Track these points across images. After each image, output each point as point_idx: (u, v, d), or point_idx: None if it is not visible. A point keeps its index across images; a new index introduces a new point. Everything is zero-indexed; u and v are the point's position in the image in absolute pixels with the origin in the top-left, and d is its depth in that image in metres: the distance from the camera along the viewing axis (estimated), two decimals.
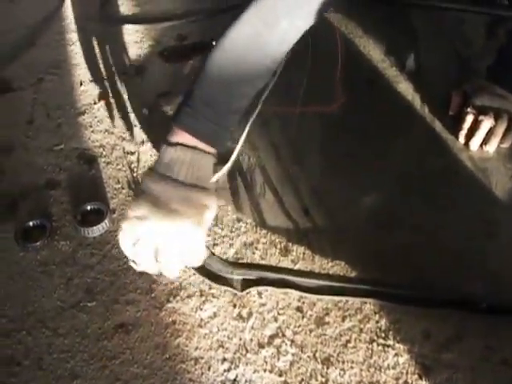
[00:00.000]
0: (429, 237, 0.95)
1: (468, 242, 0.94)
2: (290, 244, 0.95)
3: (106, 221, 0.98)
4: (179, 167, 0.79)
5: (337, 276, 0.90)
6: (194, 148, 0.80)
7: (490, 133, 1.06)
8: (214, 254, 0.91)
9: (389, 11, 1.41)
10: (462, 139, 1.08)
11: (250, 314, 0.87)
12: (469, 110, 1.08)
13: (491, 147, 1.06)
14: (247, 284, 0.89)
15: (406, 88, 1.21)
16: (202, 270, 0.90)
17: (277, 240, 0.96)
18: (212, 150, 0.82)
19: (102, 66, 1.33)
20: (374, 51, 1.31)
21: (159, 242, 0.77)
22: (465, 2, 1.36)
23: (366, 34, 1.35)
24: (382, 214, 0.98)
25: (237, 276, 0.89)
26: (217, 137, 0.82)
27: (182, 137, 0.80)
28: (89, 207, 1.01)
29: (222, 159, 0.88)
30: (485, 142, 1.06)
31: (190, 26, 1.42)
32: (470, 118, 1.07)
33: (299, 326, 0.85)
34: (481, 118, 1.06)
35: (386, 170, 1.05)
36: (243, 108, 0.86)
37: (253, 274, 0.89)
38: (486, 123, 1.05)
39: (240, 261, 0.93)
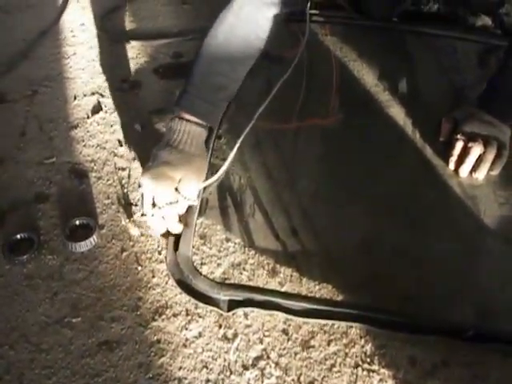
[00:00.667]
0: (416, 263, 0.95)
1: (455, 269, 0.94)
2: (278, 266, 0.95)
3: (94, 236, 0.98)
4: (180, 136, 1.00)
5: (324, 299, 0.90)
6: (192, 122, 1.01)
7: (479, 160, 1.06)
8: (201, 274, 0.90)
9: (384, 37, 1.43)
10: (451, 166, 1.09)
11: (235, 335, 0.86)
12: (458, 136, 1.09)
13: (480, 174, 1.07)
14: (233, 304, 0.88)
15: (397, 113, 1.22)
16: (189, 289, 0.90)
17: (265, 261, 0.95)
18: (205, 123, 1.03)
19: (96, 80, 1.34)
20: (367, 75, 1.32)
21: (155, 187, 0.93)
22: (459, 31, 1.40)
23: (360, 58, 1.37)
24: (370, 239, 0.98)
25: (223, 296, 0.89)
26: (207, 112, 1.03)
27: (182, 114, 1.01)
28: (77, 222, 1.00)
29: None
30: (474, 169, 1.07)
31: (186, 44, 1.43)
32: (459, 145, 1.08)
33: (284, 349, 0.85)
34: (470, 144, 1.06)
35: (375, 195, 1.05)
36: (228, 86, 1.07)
37: (239, 295, 0.89)
38: (476, 150, 1.06)
39: (227, 281, 0.93)
